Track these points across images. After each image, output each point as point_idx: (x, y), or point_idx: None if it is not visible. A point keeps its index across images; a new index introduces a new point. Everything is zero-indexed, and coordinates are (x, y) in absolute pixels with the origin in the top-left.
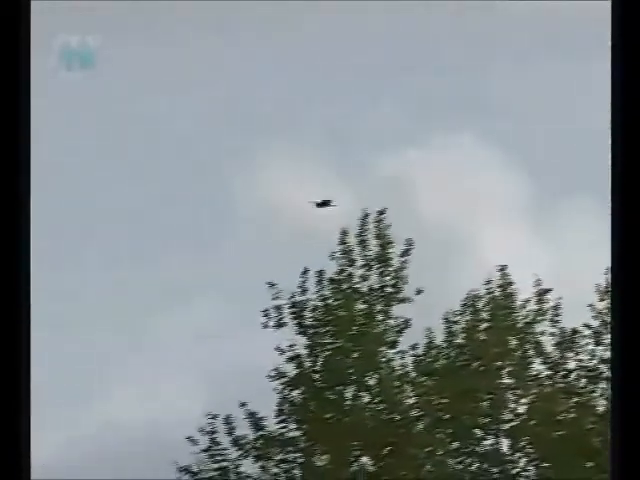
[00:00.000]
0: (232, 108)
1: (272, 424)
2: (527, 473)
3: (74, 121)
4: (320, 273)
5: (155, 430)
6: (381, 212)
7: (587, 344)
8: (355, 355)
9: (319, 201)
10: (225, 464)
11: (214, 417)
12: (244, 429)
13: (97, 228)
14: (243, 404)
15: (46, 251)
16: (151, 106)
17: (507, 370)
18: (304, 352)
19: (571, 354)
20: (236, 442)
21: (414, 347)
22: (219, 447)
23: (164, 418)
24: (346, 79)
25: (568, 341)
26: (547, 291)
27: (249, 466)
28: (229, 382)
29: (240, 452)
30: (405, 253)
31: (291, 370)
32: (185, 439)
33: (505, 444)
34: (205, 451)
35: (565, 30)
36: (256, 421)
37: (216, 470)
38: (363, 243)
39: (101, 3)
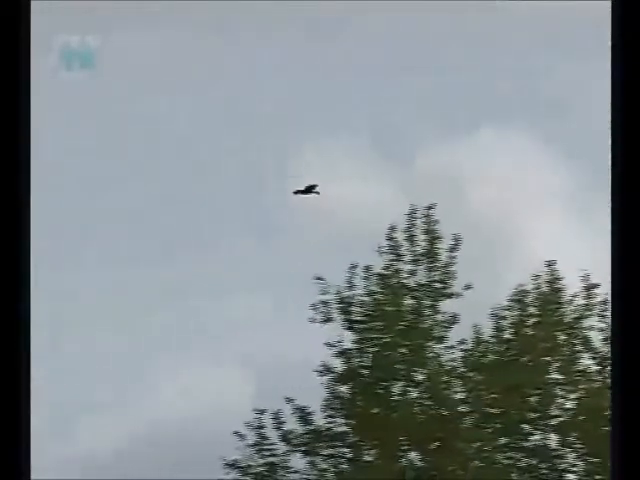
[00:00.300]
0: (232, 108)
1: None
2: (575, 469)
3: (74, 121)
4: (367, 269)
5: (156, 429)
6: (429, 207)
7: None
8: (403, 350)
9: (302, 188)
10: (272, 459)
11: (262, 412)
12: (291, 424)
13: (97, 228)
14: (290, 400)
15: (46, 251)
16: (151, 106)
17: (555, 365)
18: (353, 347)
19: None
20: (284, 437)
21: (462, 342)
22: (267, 442)
23: (164, 417)
24: (346, 79)
25: None
26: (595, 286)
27: (297, 461)
28: (230, 381)
29: (288, 447)
30: (453, 248)
31: (339, 365)
32: (183, 438)
33: (553, 439)
34: (252, 446)
35: (565, 30)
36: (304, 416)
37: (264, 465)
38: (411, 238)
39: (101, 3)
